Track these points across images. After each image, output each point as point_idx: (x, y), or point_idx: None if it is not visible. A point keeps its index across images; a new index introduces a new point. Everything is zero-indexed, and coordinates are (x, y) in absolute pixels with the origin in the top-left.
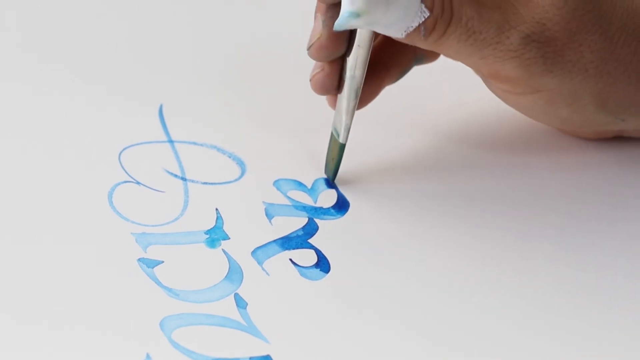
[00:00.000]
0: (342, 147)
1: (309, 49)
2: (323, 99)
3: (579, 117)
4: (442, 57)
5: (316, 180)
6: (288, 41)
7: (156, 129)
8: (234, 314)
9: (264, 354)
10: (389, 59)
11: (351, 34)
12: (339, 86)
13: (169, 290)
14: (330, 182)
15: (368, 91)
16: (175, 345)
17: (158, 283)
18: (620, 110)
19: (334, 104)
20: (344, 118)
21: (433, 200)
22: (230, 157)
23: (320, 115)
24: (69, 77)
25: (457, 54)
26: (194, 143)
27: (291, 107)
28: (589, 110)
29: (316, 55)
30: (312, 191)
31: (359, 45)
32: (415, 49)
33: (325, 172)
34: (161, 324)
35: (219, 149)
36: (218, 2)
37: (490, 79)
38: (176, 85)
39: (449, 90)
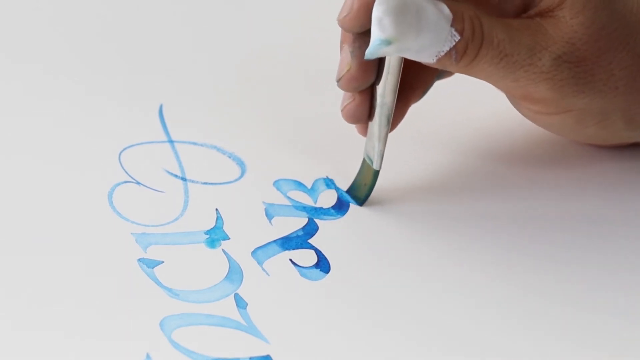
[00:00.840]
0: (376, 173)
1: (338, 81)
2: (323, 100)
3: (607, 133)
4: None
5: (316, 181)
6: (288, 41)
7: (156, 129)
8: (234, 314)
9: (264, 354)
10: (413, 79)
11: (380, 61)
12: (369, 114)
13: (169, 290)
14: (330, 183)
15: (397, 113)
16: (175, 345)
17: (158, 283)
18: None
19: (364, 131)
20: (376, 145)
21: (433, 200)
22: (230, 157)
23: (321, 116)
24: (69, 77)
25: (490, 76)
26: (194, 143)
27: (291, 107)
28: (618, 127)
29: (347, 87)
30: (312, 191)
31: (388, 72)
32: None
33: (350, 193)
34: (161, 324)
35: (219, 149)
36: (218, 2)
37: (520, 100)
38: (176, 85)
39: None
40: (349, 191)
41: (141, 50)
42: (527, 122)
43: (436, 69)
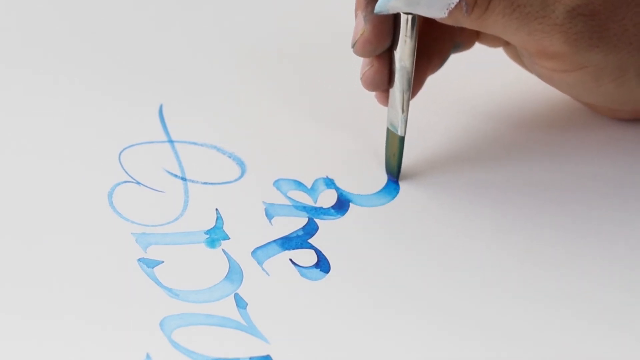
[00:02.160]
0: (402, 140)
1: (353, 45)
2: (323, 99)
3: (623, 91)
4: (475, 45)
5: (316, 180)
6: (288, 41)
7: (156, 129)
8: (234, 314)
9: (264, 354)
10: (429, 49)
11: (395, 27)
12: (389, 81)
13: (169, 290)
14: (330, 183)
15: (414, 83)
16: (175, 345)
17: (158, 283)
18: None
19: (384, 100)
20: (400, 111)
21: (433, 198)
22: (230, 157)
23: (321, 115)
24: (69, 77)
25: (504, 29)
26: (194, 143)
27: (291, 107)
28: (633, 84)
29: (362, 51)
30: (312, 191)
31: (405, 36)
32: (453, 36)
33: (387, 170)
34: (161, 324)
35: (219, 149)
36: (218, 2)
37: (536, 57)
38: (176, 85)
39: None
40: (386, 169)
41: (141, 50)
42: (546, 90)
43: (452, 40)
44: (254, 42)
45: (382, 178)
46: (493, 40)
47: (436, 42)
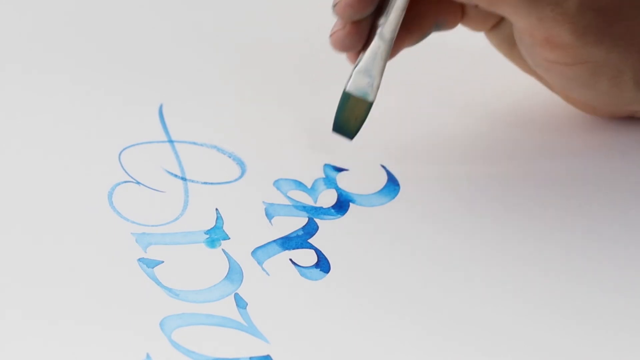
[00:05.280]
0: (370, 105)
1: (334, 5)
2: (323, 100)
3: (616, 91)
4: (458, 28)
5: (316, 180)
6: (288, 41)
7: (156, 129)
8: (234, 314)
9: (264, 354)
10: (411, 21)
11: None
12: (364, 45)
13: (169, 290)
14: (330, 183)
15: None
16: (175, 345)
17: (158, 283)
18: None
19: (354, 59)
20: (374, 77)
21: (433, 198)
22: (230, 157)
23: (321, 115)
24: (69, 77)
25: (516, 10)
26: (194, 143)
27: (291, 107)
28: (628, 86)
29: (341, 13)
30: (312, 191)
31: (401, 9)
32: (437, 13)
33: (340, 130)
34: (161, 324)
35: (219, 149)
36: (218, 2)
37: (539, 46)
38: (176, 85)
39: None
40: (336, 129)
41: (141, 50)
42: (530, 86)
43: (435, 16)
44: (253, 42)
45: (382, 178)
46: (477, 23)
47: (419, 16)
